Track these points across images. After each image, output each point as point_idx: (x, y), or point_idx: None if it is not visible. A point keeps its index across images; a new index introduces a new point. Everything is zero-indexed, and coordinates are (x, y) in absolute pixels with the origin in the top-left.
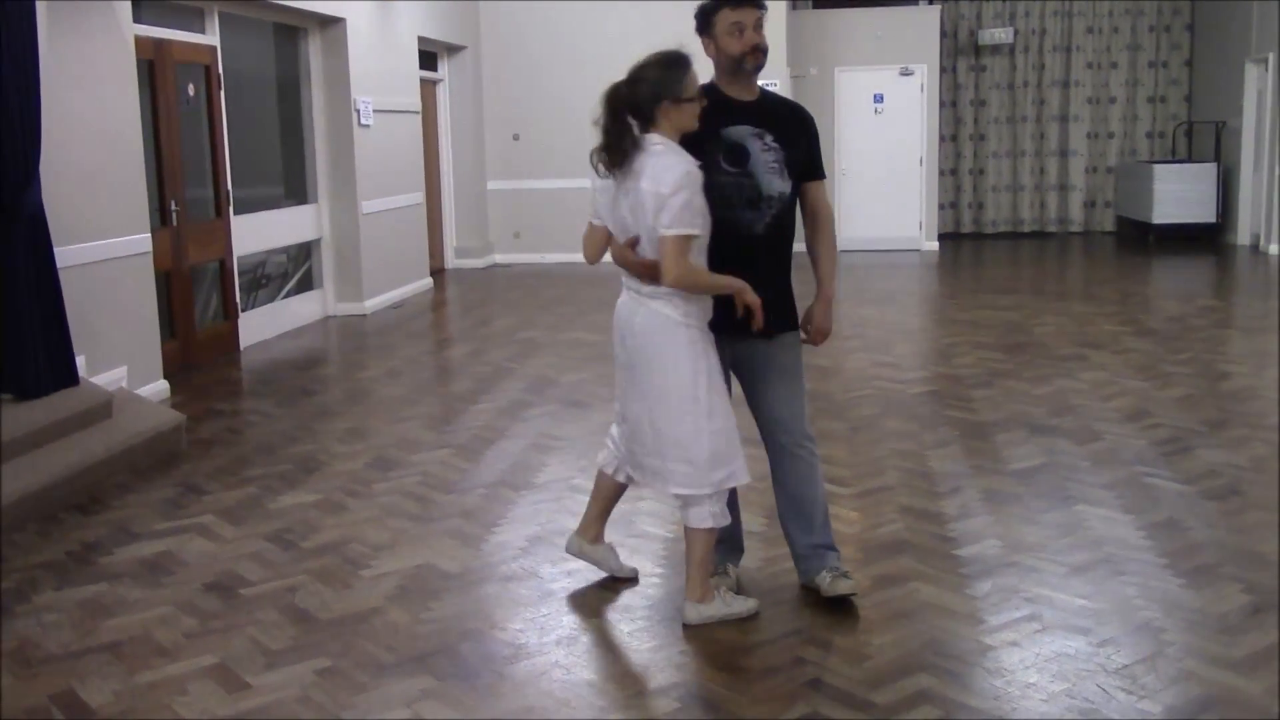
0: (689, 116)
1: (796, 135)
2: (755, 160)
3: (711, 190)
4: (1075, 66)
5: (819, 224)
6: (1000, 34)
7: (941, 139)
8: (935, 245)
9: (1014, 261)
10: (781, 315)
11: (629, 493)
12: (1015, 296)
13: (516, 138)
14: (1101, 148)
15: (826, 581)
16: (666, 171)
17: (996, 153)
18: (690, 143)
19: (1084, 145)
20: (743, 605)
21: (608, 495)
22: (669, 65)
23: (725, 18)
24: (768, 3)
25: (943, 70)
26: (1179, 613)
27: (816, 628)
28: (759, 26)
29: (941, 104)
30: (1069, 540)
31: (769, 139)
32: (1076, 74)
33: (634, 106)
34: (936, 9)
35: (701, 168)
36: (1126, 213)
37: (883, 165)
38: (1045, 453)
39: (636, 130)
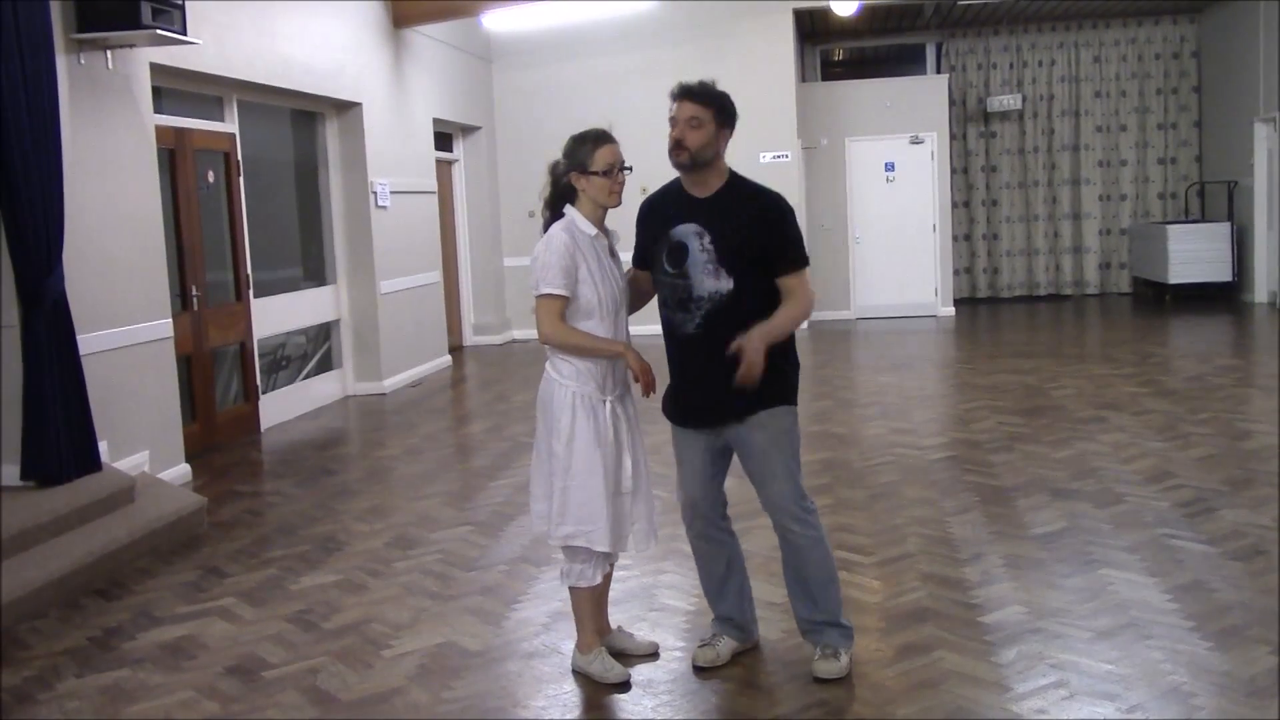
0: (600, 189)
1: (744, 231)
2: (693, 260)
3: (658, 289)
4: (1085, 130)
5: (787, 301)
6: (1009, 100)
7: (954, 205)
8: (951, 310)
9: (1031, 325)
10: (747, 397)
11: (649, 567)
12: (1033, 360)
13: (532, 215)
14: (1114, 210)
15: (815, 659)
16: (543, 239)
17: (1010, 217)
18: (648, 242)
19: (1097, 208)
20: (611, 673)
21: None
22: (577, 140)
23: (671, 110)
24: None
25: (953, 137)
26: (1207, 676)
27: (839, 699)
28: (691, 123)
29: (953, 170)
30: (1094, 605)
31: (707, 239)
32: (1086, 138)
33: (556, 181)
34: (944, 78)
35: (653, 268)
36: (1142, 273)
37: (896, 233)
38: (1067, 516)
39: (547, 205)
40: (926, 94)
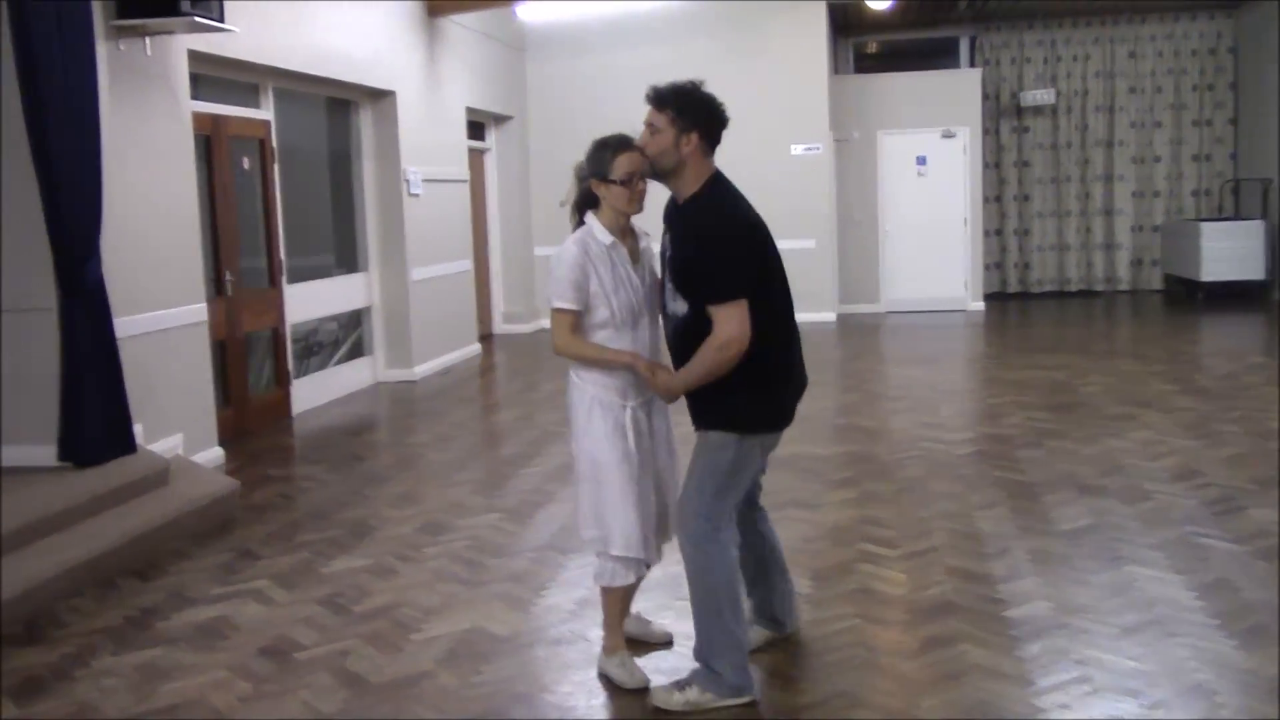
0: (619, 198)
1: (677, 253)
2: (667, 274)
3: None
4: (1119, 126)
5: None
6: (1042, 95)
7: (985, 200)
8: (981, 305)
9: (1061, 321)
10: (696, 414)
11: (675, 556)
12: (1062, 356)
13: (563, 204)
14: (1147, 206)
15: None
16: (557, 251)
17: (1041, 213)
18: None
19: (1129, 204)
20: (632, 679)
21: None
22: (599, 146)
23: None
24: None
25: (985, 132)
26: (1232, 675)
27: (864, 689)
28: (650, 129)
29: (985, 165)
30: (1119, 601)
31: (668, 255)
32: (1120, 134)
33: (581, 184)
34: (977, 72)
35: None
36: (1174, 271)
37: (927, 227)
38: (1094, 513)
39: (574, 208)
40: (959, 88)
